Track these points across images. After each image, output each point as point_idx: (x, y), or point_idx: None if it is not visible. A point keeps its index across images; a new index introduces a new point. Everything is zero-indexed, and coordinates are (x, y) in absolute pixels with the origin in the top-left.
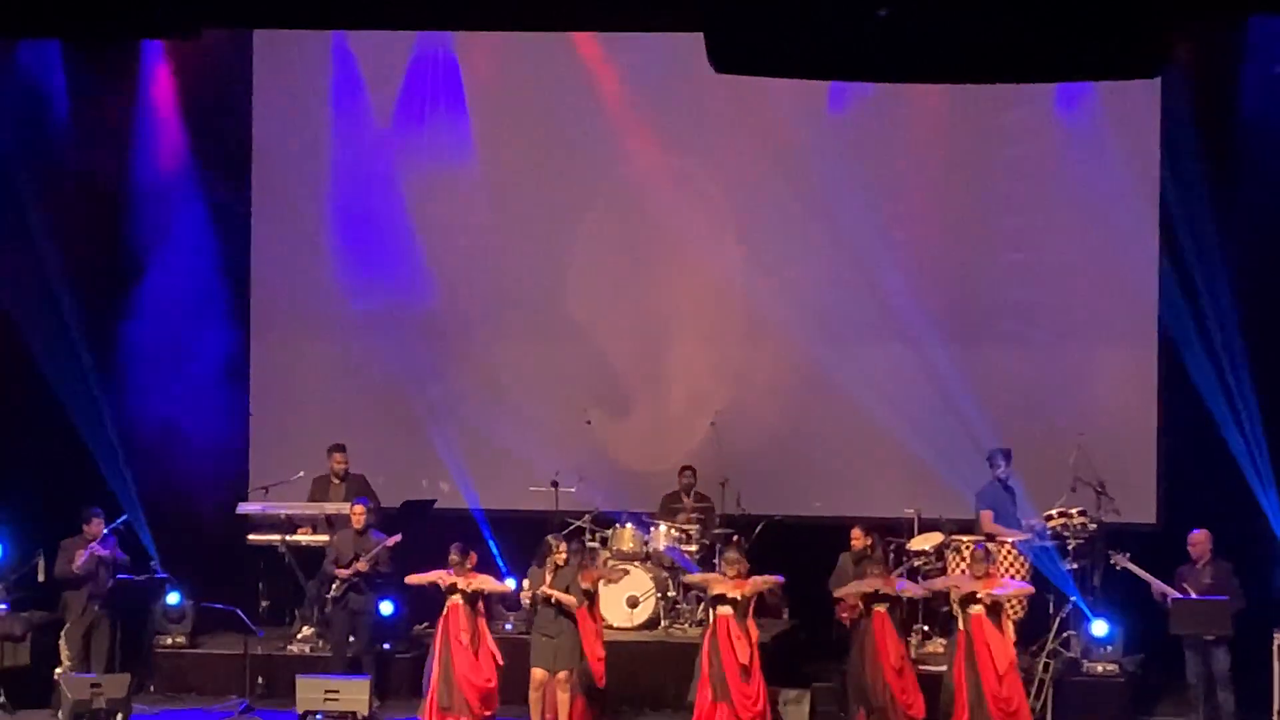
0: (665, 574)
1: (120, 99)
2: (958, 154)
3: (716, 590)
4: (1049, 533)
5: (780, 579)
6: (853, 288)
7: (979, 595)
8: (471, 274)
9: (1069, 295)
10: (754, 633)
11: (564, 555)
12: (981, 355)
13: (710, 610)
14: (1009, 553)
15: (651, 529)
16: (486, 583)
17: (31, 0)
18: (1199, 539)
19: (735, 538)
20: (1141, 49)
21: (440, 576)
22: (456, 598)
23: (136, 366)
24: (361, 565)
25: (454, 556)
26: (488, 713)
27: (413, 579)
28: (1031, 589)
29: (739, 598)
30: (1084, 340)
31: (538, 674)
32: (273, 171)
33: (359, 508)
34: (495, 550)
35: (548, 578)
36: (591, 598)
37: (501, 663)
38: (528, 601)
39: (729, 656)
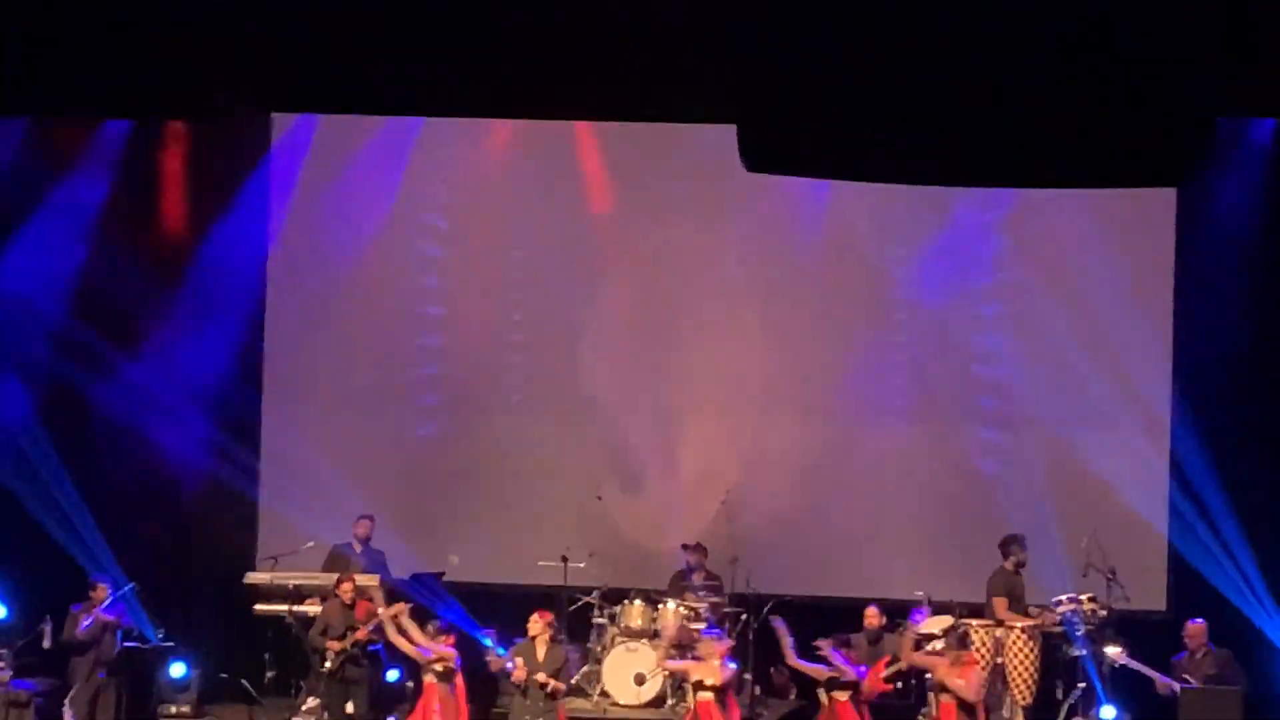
0: (675, 653)
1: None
2: (974, 243)
3: (695, 676)
4: (1060, 619)
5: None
6: (866, 370)
7: (947, 684)
8: (485, 348)
9: (1082, 384)
10: (735, 714)
11: (543, 629)
12: (994, 440)
13: (691, 695)
14: (1018, 638)
15: (660, 606)
16: (449, 656)
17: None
18: (1195, 631)
19: (742, 616)
20: (1165, 157)
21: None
22: (430, 676)
23: (146, 432)
24: (360, 634)
25: (428, 630)
26: None
27: (397, 640)
28: (979, 686)
29: (719, 684)
30: (1096, 428)
31: None
32: (288, 240)
33: (346, 584)
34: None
35: (540, 653)
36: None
37: None
38: (518, 679)
39: None
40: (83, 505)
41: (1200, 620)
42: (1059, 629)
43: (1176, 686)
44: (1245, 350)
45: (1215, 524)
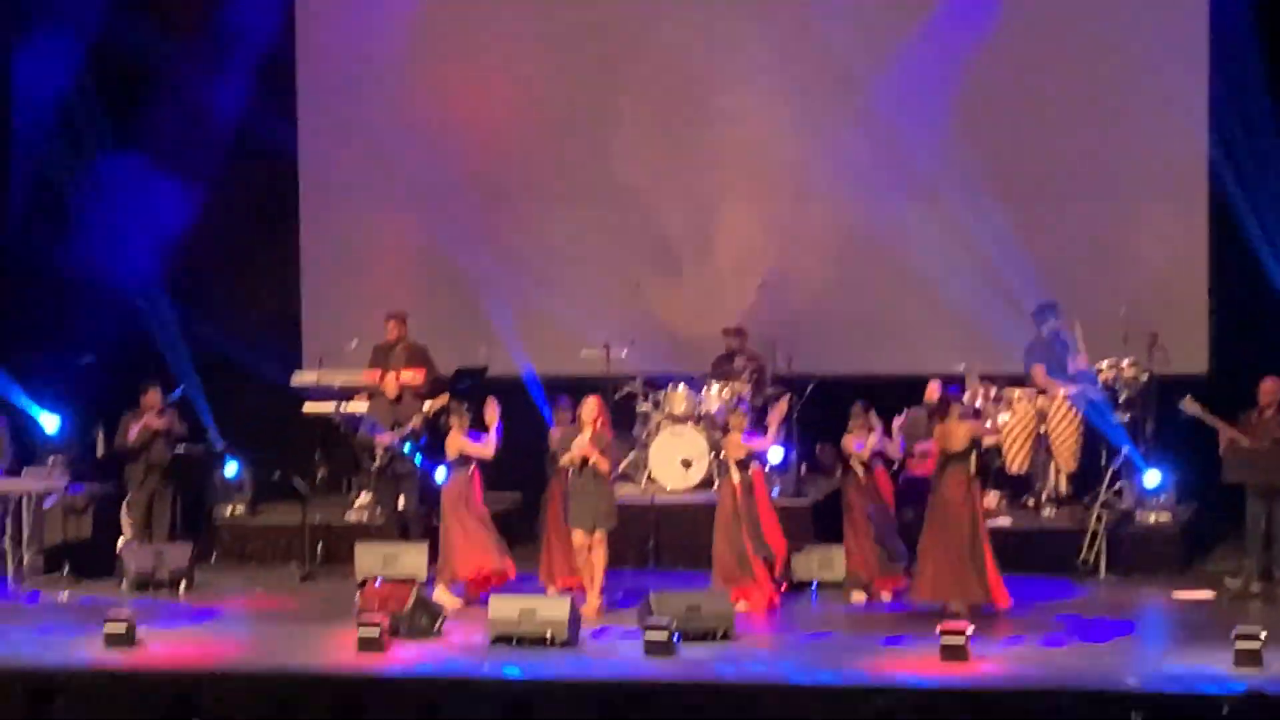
0: (718, 435)
1: None
2: (1005, 10)
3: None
4: (1101, 384)
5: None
6: (901, 145)
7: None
8: (520, 140)
9: (1120, 148)
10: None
11: (598, 413)
12: (1033, 210)
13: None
14: (1060, 405)
15: (704, 390)
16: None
17: None
18: (1270, 388)
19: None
20: None
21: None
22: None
23: (191, 241)
24: (416, 422)
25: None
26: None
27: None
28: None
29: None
30: (1135, 192)
31: (579, 536)
32: (319, 39)
33: (389, 377)
34: (547, 416)
35: (587, 438)
36: None
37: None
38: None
39: None
40: (133, 314)
41: (1274, 378)
42: (1101, 396)
43: (1241, 440)
44: None
45: (1259, 283)
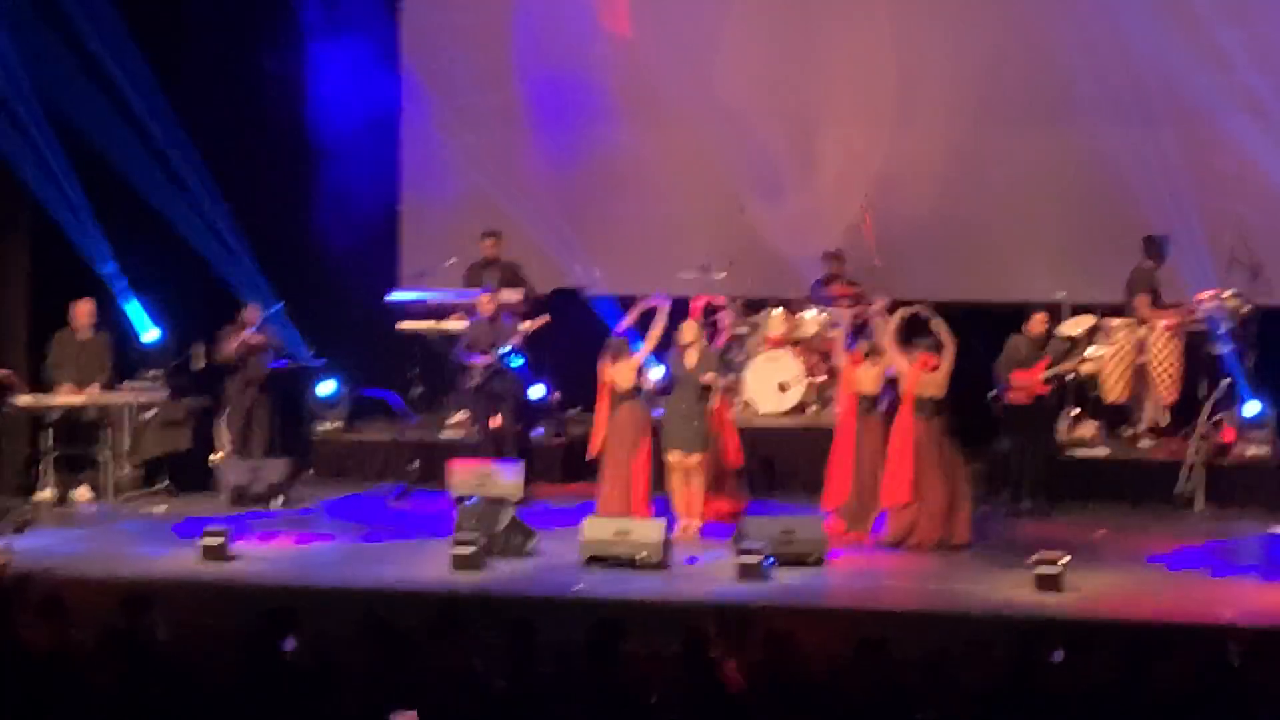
0: (816, 358)
1: None
2: None
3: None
4: (1203, 316)
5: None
6: (1004, 69)
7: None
8: (622, 60)
9: (1229, 75)
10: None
11: (696, 335)
12: (1138, 138)
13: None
14: (1160, 335)
15: (801, 313)
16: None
17: None
18: None
19: None
20: None
21: None
22: None
23: (289, 158)
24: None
25: None
26: None
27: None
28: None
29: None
30: (1241, 122)
31: (674, 457)
32: None
33: (485, 296)
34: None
35: (692, 359)
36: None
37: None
38: (660, 384)
39: None
40: (234, 228)
41: None
42: (1201, 326)
43: None
44: None
45: None
